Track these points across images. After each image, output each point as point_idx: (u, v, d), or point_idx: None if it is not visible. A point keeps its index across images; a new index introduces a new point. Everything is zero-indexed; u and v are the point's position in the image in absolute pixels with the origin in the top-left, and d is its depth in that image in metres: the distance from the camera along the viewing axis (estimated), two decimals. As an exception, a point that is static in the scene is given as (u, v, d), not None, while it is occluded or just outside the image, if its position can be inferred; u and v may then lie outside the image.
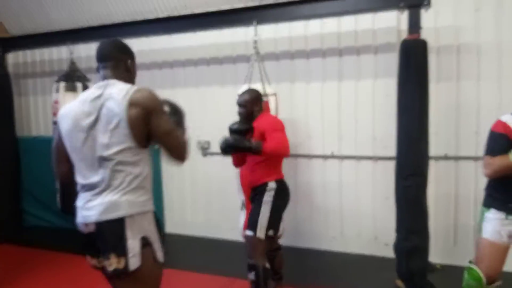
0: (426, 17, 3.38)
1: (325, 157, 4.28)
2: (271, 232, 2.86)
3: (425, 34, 3.32)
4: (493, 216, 2.40)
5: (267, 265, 2.88)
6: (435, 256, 3.67)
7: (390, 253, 3.55)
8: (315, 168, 4.35)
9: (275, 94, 3.73)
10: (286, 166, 3.20)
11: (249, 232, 2.86)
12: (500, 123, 2.35)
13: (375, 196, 4.09)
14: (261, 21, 3.85)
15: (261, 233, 2.82)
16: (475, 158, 3.67)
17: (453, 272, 3.54)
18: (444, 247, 3.85)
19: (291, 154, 4.09)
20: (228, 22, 4.11)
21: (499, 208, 2.39)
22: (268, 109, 3.53)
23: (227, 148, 2.78)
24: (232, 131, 2.80)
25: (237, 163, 3.13)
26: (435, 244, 3.58)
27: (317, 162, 4.33)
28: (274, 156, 2.84)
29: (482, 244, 2.42)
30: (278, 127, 2.86)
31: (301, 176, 4.38)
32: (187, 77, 4.83)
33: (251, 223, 2.87)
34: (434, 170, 3.73)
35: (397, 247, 3.33)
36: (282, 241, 3.53)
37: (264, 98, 3.43)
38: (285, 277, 3.31)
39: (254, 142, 2.75)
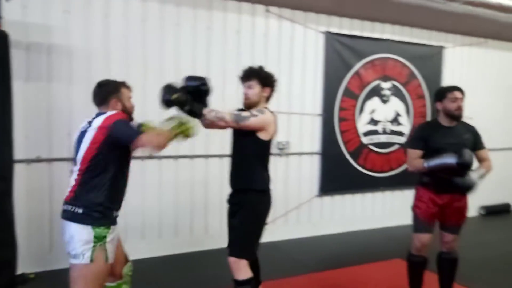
0: (13, 9, 3.11)
1: None
2: None
3: (12, 28, 3.05)
4: (111, 236, 2.05)
5: None
6: (29, 265, 3.46)
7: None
8: None
9: None
10: None
11: None
12: (121, 114, 2.16)
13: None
14: None
15: None
16: (69, 159, 3.66)
17: (49, 278, 3.46)
18: (39, 255, 3.65)
19: None
20: None
21: (114, 223, 2.12)
22: None
23: None
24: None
25: None
26: (28, 253, 3.38)
27: None
28: None
29: (97, 267, 1.99)
30: None
31: None
32: None
33: None
34: (26, 174, 3.50)
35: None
36: None
37: None
38: None
39: None
